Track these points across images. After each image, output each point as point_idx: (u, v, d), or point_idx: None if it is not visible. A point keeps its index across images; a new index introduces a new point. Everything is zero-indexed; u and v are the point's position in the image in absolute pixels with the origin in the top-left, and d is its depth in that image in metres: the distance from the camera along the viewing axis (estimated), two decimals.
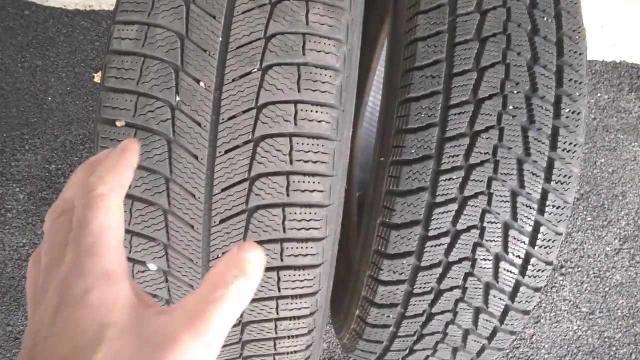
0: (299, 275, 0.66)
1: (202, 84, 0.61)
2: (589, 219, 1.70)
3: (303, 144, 0.61)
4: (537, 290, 0.76)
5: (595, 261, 1.65)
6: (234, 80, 0.61)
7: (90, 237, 0.29)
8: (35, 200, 1.60)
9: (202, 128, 0.61)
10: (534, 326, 1.57)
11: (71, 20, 1.76)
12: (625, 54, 1.86)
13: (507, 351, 1.55)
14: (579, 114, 0.71)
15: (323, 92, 0.62)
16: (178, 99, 0.61)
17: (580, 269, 1.63)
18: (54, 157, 1.65)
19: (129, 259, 0.66)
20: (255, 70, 0.61)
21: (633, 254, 1.66)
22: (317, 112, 0.61)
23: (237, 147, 0.61)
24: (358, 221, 1.29)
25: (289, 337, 0.72)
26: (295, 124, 0.61)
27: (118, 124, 0.63)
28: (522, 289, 0.75)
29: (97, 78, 1.73)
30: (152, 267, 0.67)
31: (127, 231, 0.65)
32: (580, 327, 1.58)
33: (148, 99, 0.61)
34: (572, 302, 1.60)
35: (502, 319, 0.79)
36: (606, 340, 1.58)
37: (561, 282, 1.62)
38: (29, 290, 0.32)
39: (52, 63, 1.71)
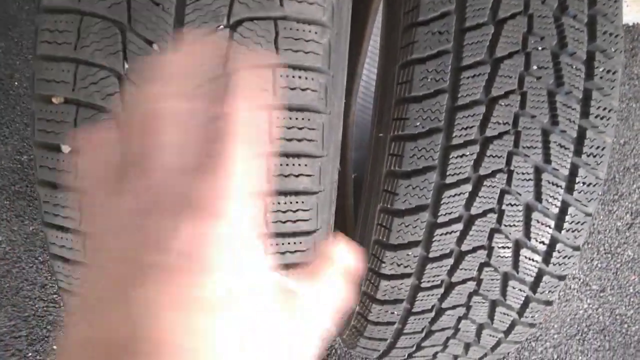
0: (287, 274, 0.55)
1: (155, 46, 0.49)
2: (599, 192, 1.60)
3: (284, 118, 0.50)
4: (561, 278, 0.66)
5: (605, 237, 1.56)
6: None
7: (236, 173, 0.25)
8: (8, 195, 1.48)
9: None
10: None
11: None
12: (639, 16, 1.73)
13: None
14: (614, 73, 0.59)
15: (307, 53, 0.50)
16: (127, 66, 0.49)
17: (590, 246, 1.55)
18: (25, 146, 1.52)
19: (84, 264, 0.55)
20: (222, 26, 0.49)
21: None
22: (300, 77, 0.50)
23: None
24: (354, 205, 1.18)
25: None
26: (274, 94, 0.49)
27: (55, 100, 0.51)
28: (545, 278, 0.65)
29: None
30: None
31: (79, 232, 0.54)
32: (591, 305, 1.50)
33: (89, 68, 0.49)
34: (581, 280, 1.52)
35: (522, 311, 0.69)
36: (617, 317, 1.50)
37: None
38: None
39: (15, 44, 1.56)
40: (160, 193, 0.24)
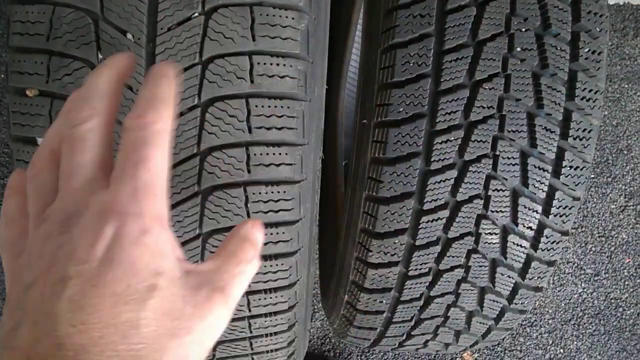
0: (271, 265, 0.55)
1: (129, 35, 0.48)
2: (592, 175, 1.60)
3: (263, 106, 0.49)
4: (550, 264, 0.66)
5: (599, 220, 1.56)
6: (169, 29, 0.48)
7: (148, 174, 0.28)
8: None
9: (133, 92, 0.48)
10: None
11: None
12: None
13: None
14: (600, 53, 0.58)
15: (284, 39, 0.49)
16: (100, 56, 0.48)
17: (583, 229, 1.55)
18: None
19: None
20: (196, 14, 0.48)
21: (639, 211, 1.57)
22: (278, 64, 0.49)
23: (180, 114, 0.49)
24: (346, 194, 1.17)
25: (266, 335, 0.62)
26: (252, 82, 0.48)
27: (29, 92, 0.50)
28: (533, 263, 0.65)
29: None
30: None
31: None
32: (585, 290, 1.51)
33: (62, 59, 0.48)
34: (575, 264, 1.52)
35: (511, 297, 0.69)
36: (612, 301, 1.51)
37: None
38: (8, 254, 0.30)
39: (1, 36, 1.54)
40: (74, 211, 0.28)
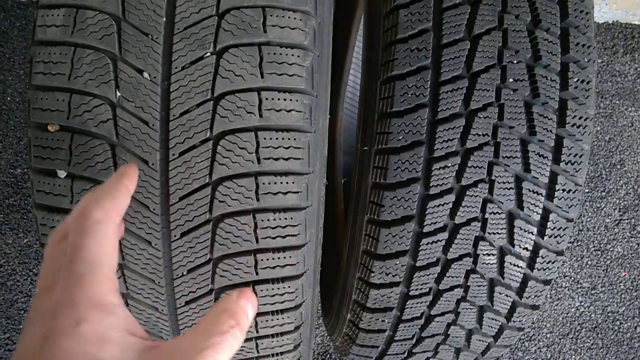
0: (278, 288, 0.57)
1: (145, 74, 0.51)
2: (586, 190, 1.63)
3: (271, 139, 0.52)
4: (546, 283, 0.69)
5: (594, 234, 1.59)
6: (183, 68, 0.51)
7: (82, 264, 0.29)
8: (2, 208, 1.49)
9: (150, 127, 0.51)
10: None
11: (24, 11, 1.62)
12: (618, 14, 1.77)
13: None
14: (588, 82, 0.62)
15: (290, 76, 0.52)
16: (119, 94, 0.51)
17: (579, 243, 1.57)
18: (19, 160, 1.53)
19: None
20: (208, 54, 0.51)
21: (634, 224, 1.60)
22: (285, 99, 0.52)
23: (193, 147, 0.52)
24: (345, 210, 1.20)
25: (273, 355, 0.64)
26: (260, 116, 0.52)
27: (50, 128, 0.53)
28: (530, 283, 0.68)
29: None
30: None
31: None
32: (582, 303, 1.53)
33: (83, 97, 0.51)
34: (572, 278, 1.55)
35: (509, 316, 0.71)
36: (609, 314, 1.53)
37: None
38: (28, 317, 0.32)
39: (7, 60, 1.58)
40: (59, 301, 0.29)
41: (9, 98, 1.57)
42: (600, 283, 1.55)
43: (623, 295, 1.55)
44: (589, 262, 1.56)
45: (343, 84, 1.22)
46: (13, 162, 1.53)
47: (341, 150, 1.35)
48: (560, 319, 1.51)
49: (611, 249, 1.58)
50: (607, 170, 1.65)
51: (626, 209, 1.62)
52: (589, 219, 1.60)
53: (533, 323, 1.51)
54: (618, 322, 1.52)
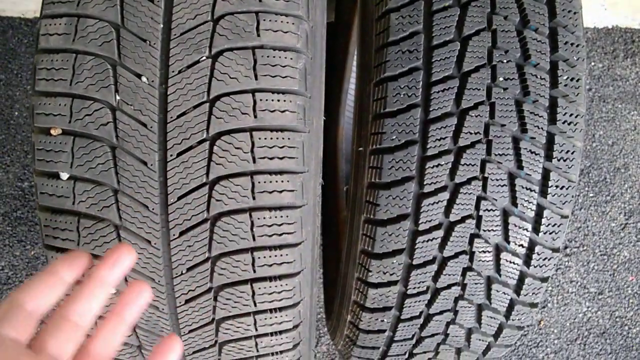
0: (276, 286, 0.58)
1: (144, 78, 0.53)
2: (591, 194, 1.62)
3: (266, 139, 0.54)
4: (543, 280, 0.69)
5: (600, 238, 1.58)
6: (180, 72, 0.53)
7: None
8: (10, 221, 1.52)
9: (148, 129, 0.53)
10: (541, 311, 1.50)
11: (31, 29, 1.67)
12: (618, 18, 1.78)
13: None
14: (578, 80, 0.63)
15: (284, 78, 0.54)
16: (118, 97, 0.53)
17: (585, 248, 1.56)
18: (26, 174, 1.56)
19: None
20: (204, 57, 0.53)
21: (639, 228, 1.59)
22: (278, 100, 0.54)
23: (190, 147, 0.53)
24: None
25: (272, 354, 0.65)
26: (255, 116, 0.53)
27: (53, 132, 0.55)
28: (527, 280, 0.68)
29: None
30: (110, 290, 0.59)
31: None
32: (590, 308, 1.51)
33: (84, 101, 0.53)
34: (579, 283, 1.54)
35: (508, 314, 0.71)
36: (617, 319, 1.51)
37: (566, 263, 1.55)
38: None
39: (15, 76, 1.62)
40: None
41: (16, 113, 1.61)
42: (608, 288, 1.54)
43: (631, 300, 1.53)
44: (596, 267, 1.55)
45: (344, 91, 1.24)
46: (20, 176, 1.56)
47: (343, 157, 1.36)
48: (568, 324, 1.50)
49: (617, 254, 1.57)
50: (611, 174, 1.65)
51: (632, 212, 1.61)
52: (594, 224, 1.60)
53: (540, 329, 1.49)
54: (627, 327, 1.50)
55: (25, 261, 1.49)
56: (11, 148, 1.58)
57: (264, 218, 0.55)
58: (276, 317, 0.60)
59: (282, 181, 0.55)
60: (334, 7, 1.25)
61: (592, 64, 1.74)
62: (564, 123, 0.63)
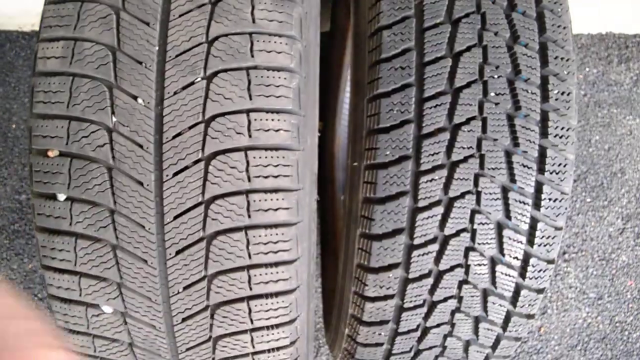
0: (272, 303, 0.59)
1: (140, 100, 0.54)
2: (588, 199, 1.63)
3: (260, 157, 0.54)
4: (539, 291, 0.69)
5: (598, 243, 1.58)
6: (175, 93, 0.54)
7: None
8: (7, 234, 1.53)
9: (144, 150, 0.54)
10: (540, 317, 1.50)
11: (28, 42, 1.68)
12: (611, 24, 1.79)
13: None
14: (569, 94, 0.64)
15: (278, 97, 0.54)
16: (114, 119, 0.54)
17: (583, 253, 1.57)
18: (23, 186, 1.57)
19: (80, 303, 0.59)
20: (199, 79, 0.54)
21: (637, 232, 1.60)
22: (273, 120, 0.54)
23: (186, 167, 0.54)
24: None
25: None
26: (250, 136, 0.54)
27: (50, 153, 0.55)
28: (523, 292, 0.68)
29: None
30: (107, 309, 0.59)
31: (75, 272, 0.57)
32: (590, 314, 1.51)
33: (81, 123, 0.54)
34: (578, 289, 1.54)
35: (505, 325, 0.72)
36: (617, 325, 1.51)
37: (565, 269, 1.56)
38: None
39: (12, 89, 1.63)
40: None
41: (14, 125, 1.61)
42: (607, 293, 1.54)
43: (630, 305, 1.53)
44: (594, 272, 1.55)
45: (340, 102, 1.25)
46: (18, 189, 1.56)
47: (340, 167, 1.37)
48: (568, 330, 1.50)
49: (616, 258, 1.57)
50: (608, 179, 1.65)
51: (629, 217, 1.62)
52: (592, 229, 1.60)
53: (540, 336, 1.49)
54: (627, 332, 1.50)
55: (22, 274, 1.49)
56: (9, 161, 1.59)
57: (260, 236, 0.56)
58: (273, 334, 0.60)
59: (277, 199, 0.55)
60: (329, 17, 1.26)
61: (587, 69, 1.75)
62: (555, 136, 0.64)
